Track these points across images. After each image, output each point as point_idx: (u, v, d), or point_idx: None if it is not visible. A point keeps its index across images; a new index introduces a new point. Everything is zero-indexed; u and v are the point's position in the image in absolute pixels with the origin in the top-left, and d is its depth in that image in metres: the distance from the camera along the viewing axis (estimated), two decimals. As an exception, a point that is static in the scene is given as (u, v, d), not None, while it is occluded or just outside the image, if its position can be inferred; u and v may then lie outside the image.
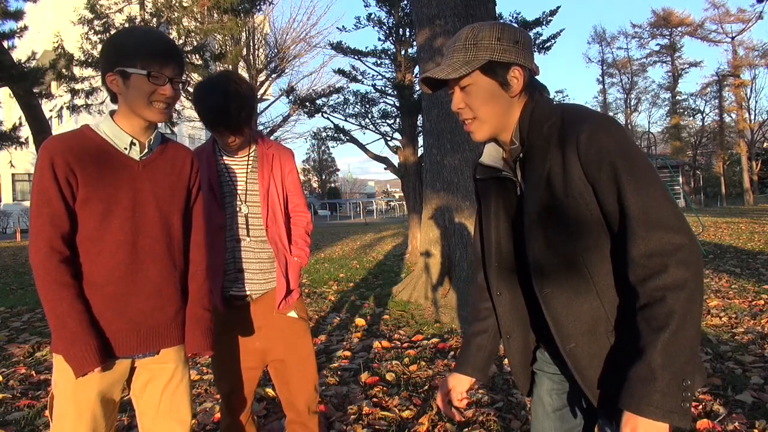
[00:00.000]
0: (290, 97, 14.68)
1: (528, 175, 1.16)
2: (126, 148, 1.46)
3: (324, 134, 13.79)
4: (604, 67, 42.36)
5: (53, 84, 12.79)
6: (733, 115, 34.82)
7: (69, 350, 1.34)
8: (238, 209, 1.96)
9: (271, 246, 1.99)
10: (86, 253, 1.41)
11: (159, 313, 1.49)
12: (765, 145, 36.71)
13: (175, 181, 1.55)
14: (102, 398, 1.44)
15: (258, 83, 17.33)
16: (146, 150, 1.49)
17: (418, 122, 10.72)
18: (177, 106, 14.73)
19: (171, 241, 1.52)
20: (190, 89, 15.16)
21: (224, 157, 2.00)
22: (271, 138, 7.06)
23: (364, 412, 2.89)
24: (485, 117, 1.17)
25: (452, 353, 3.88)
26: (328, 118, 13.04)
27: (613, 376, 1.09)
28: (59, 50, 12.21)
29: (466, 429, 2.63)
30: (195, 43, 13.45)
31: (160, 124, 1.58)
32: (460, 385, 1.37)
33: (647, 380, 0.96)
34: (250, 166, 2.00)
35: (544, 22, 11.52)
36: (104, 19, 12.76)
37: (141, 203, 1.46)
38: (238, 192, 1.97)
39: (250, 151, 2.02)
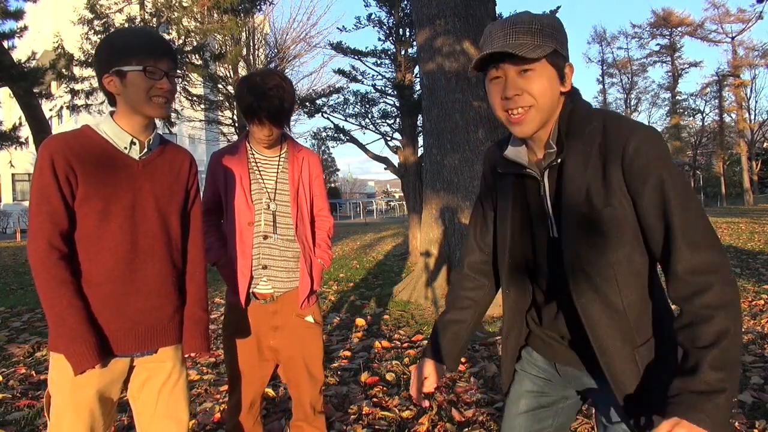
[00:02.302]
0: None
1: (565, 181, 1.12)
2: (126, 148, 1.46)
3: (324, 134, 13.79)
4: (604, 67, 42.34)
5: (53, 84, 12.79)
6: (733, 115, 34.78)
7: (69, 347, 1.34)
8: (266, 206, 2.00)
9: (298, 244, 2.02)
10: (85, 252, 1.41)
11: (158, 312, 1.49)
12: (765, 145, 36.70)
13: (173, 182, 1.55)
14: (100, 396, 1.44)
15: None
16: (146, 149, 1.50)
17: (418, 122, 10.71)
18: (176, 106, 14.77)
19: (170, 240, 1.52)
20: (189, 89, 15.21)
21: (256, 155, 2.04)
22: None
23: (364, 412, 2.89)
24: (544, 105, 1.11)
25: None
26: (328, 118, 13.05)
27: (650, 395, 1.09)
28: (59, 50, 12.22)
29: (466, 429, 2.63)
30: (195, 43, 13.46)
31: (158, 124, 1.59)
32: (435, 373, 1.36)
33: (702, 393, 0.94)
34: (281, 166, 2.05)
35: (544, 22, 11.49)
36: (104, 19, 12.77)
37: (140, 202, 1.47)
38: (267, 190, 2.01)
39: (282, 151, 2.07)
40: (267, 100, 1.86)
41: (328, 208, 2.21)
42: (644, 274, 1.14)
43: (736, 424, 2.53)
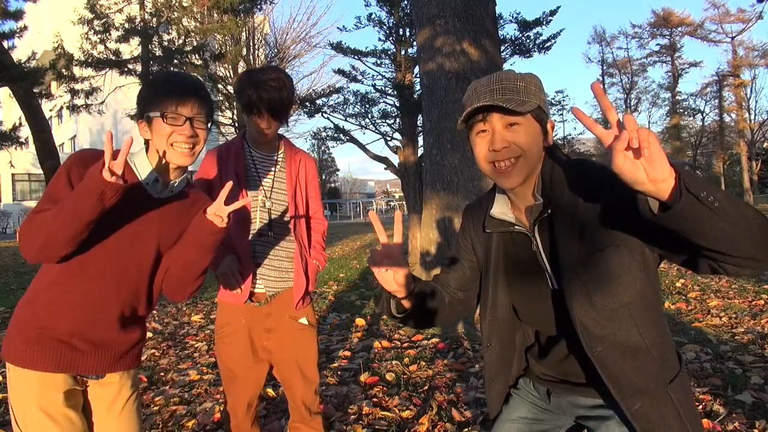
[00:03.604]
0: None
1: (558, 232, 1.13)
2: (148, 183, 1.42)
3: (324, 134, 13.77)
4: (604, 67, 42.32)
5: (53, 84, 12.81)
6: (733, 115, 34.80)
7: (90, 179, 1.22)
8: (261, 204, 1.99)
9: (293, 244, 2.03)
10: (70, 270, 1.37)
11: (123, 338, 1.46)
12: (765, 145, 36.70)
13: (184, 229, 1.50)
14: (68, 396, 1.38)
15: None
16: (167, 189, 1.46)
17: (418, 122, 10.71)
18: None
19: (157, 279, 1.51)
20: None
21: (253, 153, 2.04)
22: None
23: (364, 412, 2.89)
24: (532, 156, 1.14)
25: (452, 353, 3.88)
26: (328, 118, 13.03)
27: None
28: (59, 50, 12.24)
29: (466, 429, 2.63)
30: (195, 43, 13.48)
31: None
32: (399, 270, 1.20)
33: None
34: (279, 165, 2.06)
35: (544, 22, 11.49)
36: (104, 19, 12.79)
37: (142, 238, 1.43)
38: (264, 188, 2.01)
39: (279, 151, 2.08)
40: (267, 92, 1.86)
41: (322, 210, 2.22)
42: (657, 305, 1.12)
43: (736, 424, 2.53)
